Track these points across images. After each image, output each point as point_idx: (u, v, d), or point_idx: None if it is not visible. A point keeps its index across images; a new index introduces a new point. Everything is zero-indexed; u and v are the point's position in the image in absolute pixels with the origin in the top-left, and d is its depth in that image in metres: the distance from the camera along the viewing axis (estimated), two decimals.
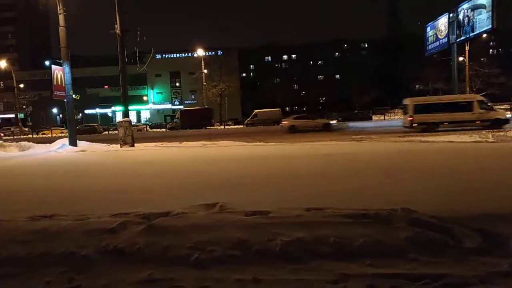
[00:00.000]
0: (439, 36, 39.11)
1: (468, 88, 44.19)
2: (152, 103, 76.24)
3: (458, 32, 35.88)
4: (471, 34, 34.35)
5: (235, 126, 49.69)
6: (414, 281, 2.99)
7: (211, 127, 46.00)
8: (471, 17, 33.77)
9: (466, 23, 34.64)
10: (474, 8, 33.32)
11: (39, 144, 18.16)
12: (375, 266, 3.27)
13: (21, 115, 59.05)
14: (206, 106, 52.96)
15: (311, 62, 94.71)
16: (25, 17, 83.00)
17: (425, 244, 3.56)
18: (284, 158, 11.18)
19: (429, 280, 2.97)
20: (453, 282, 2.95)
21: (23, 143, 18.13)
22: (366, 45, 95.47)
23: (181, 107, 67.59)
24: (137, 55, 21.40)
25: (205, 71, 55.41)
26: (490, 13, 31.03)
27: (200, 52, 55.10)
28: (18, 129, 52.41)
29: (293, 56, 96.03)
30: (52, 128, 51.19)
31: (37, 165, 11.48)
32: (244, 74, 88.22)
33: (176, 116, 51.74)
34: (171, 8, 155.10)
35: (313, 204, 4.66)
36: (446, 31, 37.22)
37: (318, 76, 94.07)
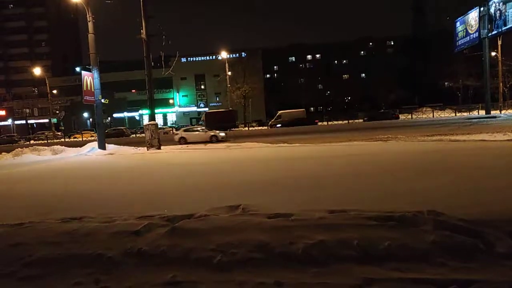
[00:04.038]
0: (469, 31, 37.81)
1: (501, 84, 42.53)
2: (178, 106, 77.55)
3: (489, 26, 34.59)
4: (503, 28, 33.03)
5: (259, 128, 49.78)
6: (441, 287, 2.89)
7: (235, 129, 46.27)
8: (503, 11, 32.47)
9: (498, 17, 33.34)
10: (506, 1, 32.02)
11: (70, 148, 18.82)
12: (400, 271, 3.19)
13: (54, 120, 61.44)
14: (231, 108, 53.34)
15: (336, 62, 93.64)
16: (57, 26, 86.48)
17: (453, 248, 3.43)
18: (308, 159, 11.08)
19: (456, 286, 2.86)
20: None
21: (55, 147, 18.83)
22: (392, 43, 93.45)
23: (206, 109, 68.38)
24: (163, 59, 21.85)
25: (229, 73, 55.83)
26: None
27: (224, 55, 55.60)
28: (51, 133, 54.60)
29: (317, 56, 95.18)
30: (83, 132, 52.95)
31: (68, 168, 11.90)
32: (268, 75, 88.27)
33: (201, 119, 52.40)
34: (196, 11, 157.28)
35: (338, 206, 4.60)
36: (477, 26, 35.94)
37: (343, 76, 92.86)
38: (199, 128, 29.70)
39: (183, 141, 26.09)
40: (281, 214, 4.35)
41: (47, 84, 54.52)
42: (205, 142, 24.63)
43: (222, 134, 27.22)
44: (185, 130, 28.51)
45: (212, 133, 27.08)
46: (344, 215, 4.22)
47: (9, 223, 4.71)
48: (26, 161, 14.96)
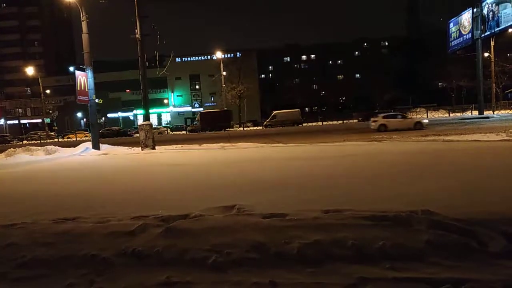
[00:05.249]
0: (463, 32, 38.13)
1: (494, 84, 42.91)
2: (172, 106, 77.33)
3: (482, 27, 34.91)
4: (496, 29, 33.35)
5: (254, 128, 49.75)
6: (435, 286, 2.91)
7: (230, 129, 46.23)
8: (496, 12, 32.79)
9: (490, 18, 33.66)
10: (499, 2, 32.33)
11: (64, 148, 18.65)
12: (394, 270, 3.21)
13: (47, 120, 60.92)
14: (225, 108, 53.28)
15: (330, 62, 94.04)
16: (50, 25, 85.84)
17: (447, 247, 3.46)
18: (303, 159, 11.09)
19: (450, 285, 2.88)
20: (476, 286, 2.86)
21: (49, 147, 18.64)
22: (387, 44, 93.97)
23: (201, 109, 68.22)
24: (157, 59, 21.78)
25: (224, 73, 55.77)
26: None
27: (219, 55, 55.54)
28: (44, 133, 54.17)
29: (312, 56, 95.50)
30: (76, 132, 52.59)
31: (61, 169, 11.81)
32: (263, 76, 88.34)
33: (196, 119, 52.29)
34: (191, 10, 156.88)
35: (332, 206, 4.61)
36: (470, 27, 36.25)
37: (338, 76, 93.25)
38: (401, 114, 27.06)
39: (383, 128, 24.20)
40: (276, 214, 4.35)
41: (40, 84, 54.06)
42: (408, 130, 22.96)
43: (426, 121, 25.09)
44: (384, 117, 25.94)
45: (417, 120, 25.13)
46: (339, 215, 4.24)
47: (1, 223, 4.66)
48: (18, 161, 14.82)
